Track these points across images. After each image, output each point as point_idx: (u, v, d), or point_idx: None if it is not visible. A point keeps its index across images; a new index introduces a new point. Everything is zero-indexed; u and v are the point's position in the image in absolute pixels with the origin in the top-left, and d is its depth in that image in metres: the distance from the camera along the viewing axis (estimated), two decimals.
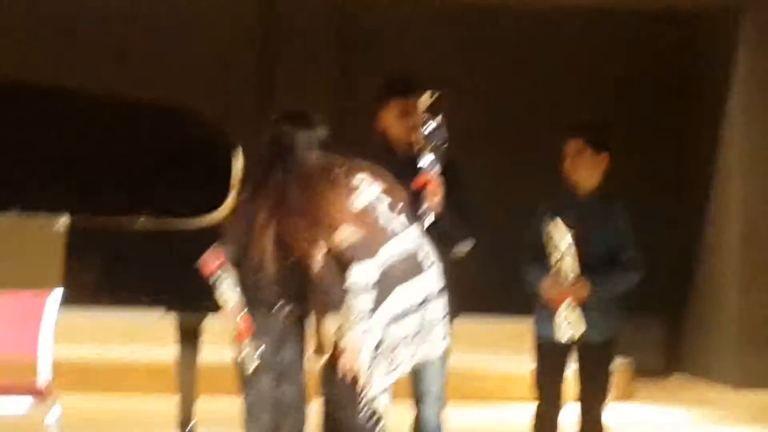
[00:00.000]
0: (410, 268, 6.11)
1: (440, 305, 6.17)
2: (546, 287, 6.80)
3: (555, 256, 6.76)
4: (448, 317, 6.25)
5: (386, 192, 6.18)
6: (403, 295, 6.09)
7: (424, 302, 6.13)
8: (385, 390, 6.12)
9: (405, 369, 6.15)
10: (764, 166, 12.23)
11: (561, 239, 6.75)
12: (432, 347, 6.24)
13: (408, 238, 6.18)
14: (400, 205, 6.19)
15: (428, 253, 6.19)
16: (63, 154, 8.29)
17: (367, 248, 6.05)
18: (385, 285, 6.07)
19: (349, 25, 13.11)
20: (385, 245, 6.09)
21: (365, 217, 6.08)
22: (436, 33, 12.90)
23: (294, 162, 6.18)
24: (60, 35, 12.48)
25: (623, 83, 13.04)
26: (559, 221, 6.74)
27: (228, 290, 6.40)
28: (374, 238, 6.10)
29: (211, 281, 6.36)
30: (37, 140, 8.40)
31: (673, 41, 13.16)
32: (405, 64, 11.67)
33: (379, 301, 6.08)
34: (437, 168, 6.65)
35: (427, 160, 6.68)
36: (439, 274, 6.18)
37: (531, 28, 13.03)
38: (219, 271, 6.35)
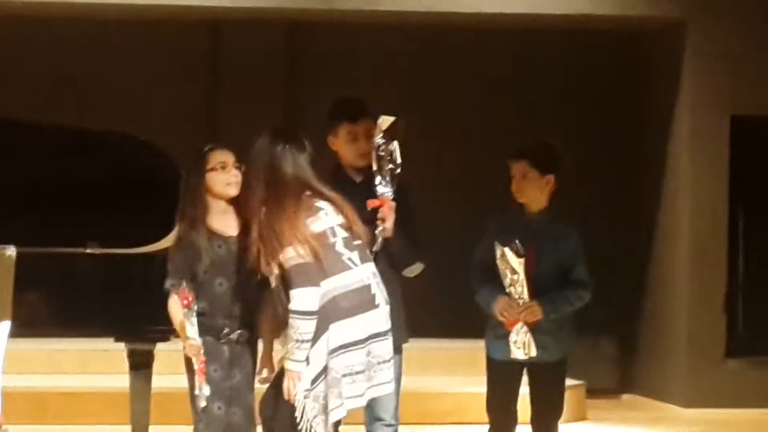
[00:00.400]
0: (361, 301, 6.12)
1: (387, 346, 6.18)
2: (498, 310, 6.83)
3: (507, 282, 6.79)
4: (392, 360, 6.28)
5: (345, 227, 6.20)
6: (349, 327, 6.09)
7: (369, 339, 6.14)
8: (327, 421, 6.12)
9: (354, 405, 6.15)
10: (711, 187, 12.33)
11: (512, 265, 6.78)
12: (379, 390, 6.26)
13: (362, 274, 6.20)
14: (358, 241, 6.21)
15: (380, 293, 6.22)
16: (8, 184, 8.28)
17: (309, 275, 6.05)
18: (331, 315, 6.08)
19: (296, 54, 13.15)
20: (338, 275, 6.11)
21: (321, 241, 6.10)
22: (380, 61, 12.95)
23: (275, 174, 6.24)
24: (8, 63, 12.47)
25: (576, 99, 13.14)
26: (508, 250, 6.77)
27: (191, 328, 6.45)
28: (325, 265, 6.11)
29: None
30: None
31: (624, 55, 13.28)
32: (351, 91, 11.69)
33: (323, 330, 6.09)
34: (390, 192, 6.68)
35: (380, 183, 6.70)
36: (387, 315, 6.20)
37: (480, 48, 13.11)
38: (187, 310, 6.40)
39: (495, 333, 6.90)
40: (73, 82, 12.59)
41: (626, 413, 12.17)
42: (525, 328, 6.77)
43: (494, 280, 6.86)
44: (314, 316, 6.00)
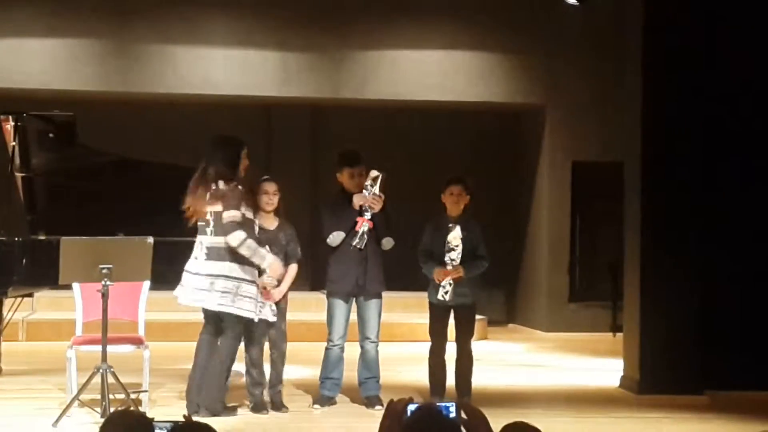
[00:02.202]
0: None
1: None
2: (435, 271, 6.90)
3: (448, 248, 6.83)
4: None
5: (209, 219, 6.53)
6: None
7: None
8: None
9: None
10: (560, 203, 12.40)
11: (456, 241, 6.85)
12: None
13: (197, 249, 6.57)
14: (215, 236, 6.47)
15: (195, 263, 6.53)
16: (147, 200, 8.30)
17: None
18: None
19: (318, 124, 13.17)
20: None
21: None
22: (366, 128, 13.00)
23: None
24: (141, 128, 12.49)
25: (480, 152, 13.09)
26: (457, 231, 6.83)
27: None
28: None
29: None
30: (132, 193, 8.41)
31: (508, 125, 13.25)
32: (349, 145, 11.72)
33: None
34: (370, 215, 6.77)
35: (365, 210, 6.78)
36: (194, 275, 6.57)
37: (424, 120, 13.10)
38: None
39: (433, 288, 6.99)
40: (177, 143, 12.51)
41: (510, 335, 12.18)
42: (449, 283, 6.85)
43: (432, 258, 6.94)
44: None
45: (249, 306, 6.35)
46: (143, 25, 11.49)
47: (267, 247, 6.53)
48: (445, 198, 7.01)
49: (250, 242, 6.30)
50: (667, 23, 7.83)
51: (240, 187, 6.41)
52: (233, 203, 6.31)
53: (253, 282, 6.39)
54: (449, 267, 6.84)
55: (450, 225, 6.87)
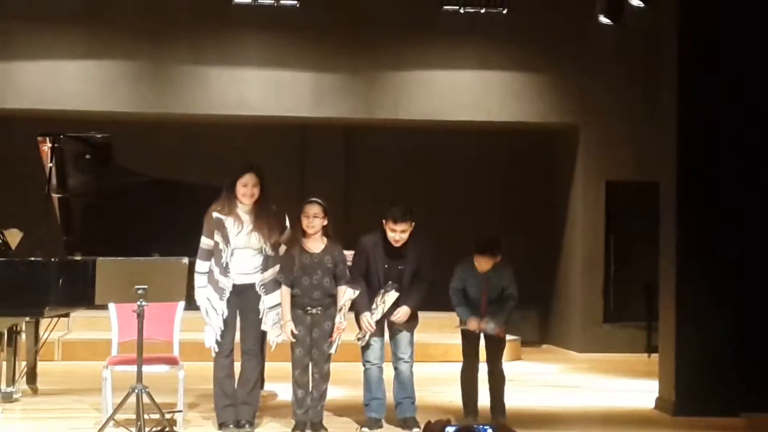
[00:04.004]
0: None
1: None
2: (470, 321, 6.95)
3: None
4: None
5: None
6: None
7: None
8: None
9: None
10: (594, 222, 12.34)
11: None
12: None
13: None
14: None
15: None
16: (182, 221, 8.31)
17: None
18: None
19: (352, 145, 13.20)
20: None
21: None
22: (397, 147, 13.00)
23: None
24: (181, 151, 12.57)
25: (515, 170, 13.10)
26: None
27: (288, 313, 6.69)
28: None
29: None
30: (167, 214, 8.44)
31: (542, 145, 13.22)
32: (383, 167, 11.73)
33: None
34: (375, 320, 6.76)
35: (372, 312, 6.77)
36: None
37: (456, 140, 13.10)
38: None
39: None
40: (212, 164, 12.57)
41: (544, 356, 12.12)
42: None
43: (465, 299, 7.02)
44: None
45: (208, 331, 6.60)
46: (178, 46, 11.60)
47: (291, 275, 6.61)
48: (475, 259, 6.97)
49: (195, 277, 6.57)
50: (702, 41, 7.79)
51: (215, 214, 6.58)
52: (203, 231, 6.60)
53: (215, 310, 6.57)
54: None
55: (465, 271, 6.95)
